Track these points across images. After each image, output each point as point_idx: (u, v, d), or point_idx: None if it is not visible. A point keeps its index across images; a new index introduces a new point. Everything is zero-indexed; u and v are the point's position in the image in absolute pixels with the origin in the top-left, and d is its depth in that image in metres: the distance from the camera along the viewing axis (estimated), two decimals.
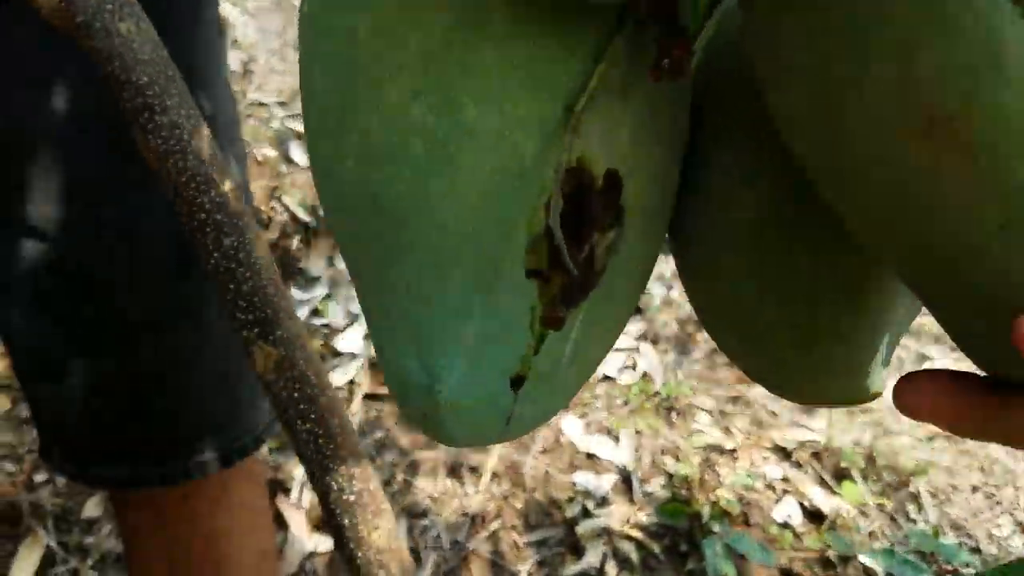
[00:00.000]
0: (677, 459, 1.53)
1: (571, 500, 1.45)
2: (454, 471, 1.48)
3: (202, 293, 0.64)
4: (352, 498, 0.52)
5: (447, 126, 0.27)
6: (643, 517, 1.44)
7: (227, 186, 0.47)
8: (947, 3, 0.22)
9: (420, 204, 0.28)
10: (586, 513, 1.43)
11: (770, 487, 1.50)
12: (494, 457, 1.51)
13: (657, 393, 1.64)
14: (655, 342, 1.76)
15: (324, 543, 1.32)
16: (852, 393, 0.34)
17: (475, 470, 1.48)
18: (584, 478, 1.48)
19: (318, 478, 0.52)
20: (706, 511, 1.43)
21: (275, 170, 2.19)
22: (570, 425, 1.58)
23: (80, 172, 0.58)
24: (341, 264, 1.97)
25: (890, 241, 0.26)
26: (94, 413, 0.64)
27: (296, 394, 0.50)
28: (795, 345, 0.33)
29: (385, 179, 0.28)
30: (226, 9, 2.71)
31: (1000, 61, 0.21)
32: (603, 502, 1.46)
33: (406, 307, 0.29)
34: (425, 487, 1.44)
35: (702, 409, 1.63)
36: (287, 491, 1.39)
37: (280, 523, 1.34)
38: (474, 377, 0.29)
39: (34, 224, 0.57)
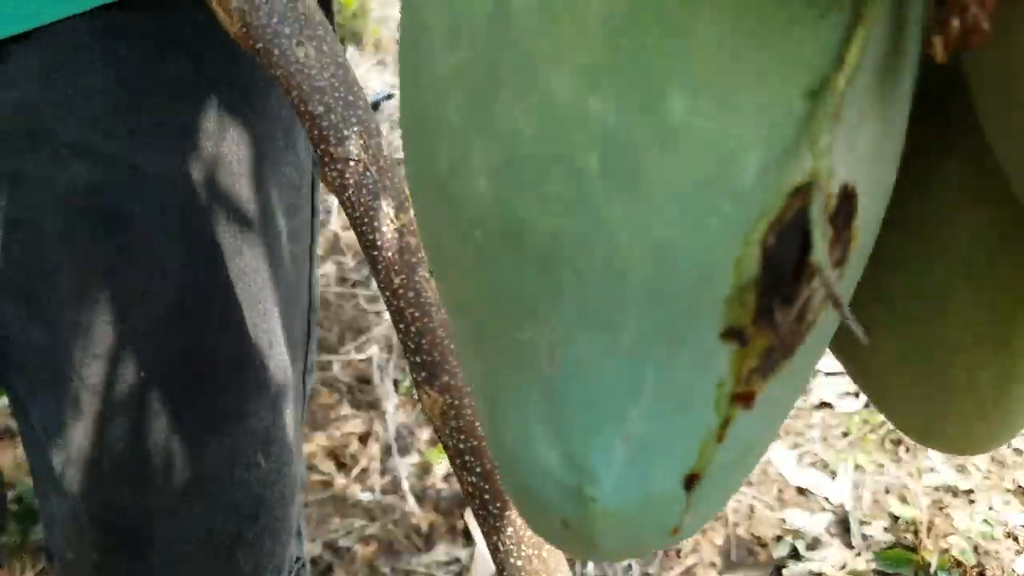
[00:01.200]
0: (903, 500, 1.37)
1: (779, 539, 1.32)
2: None
3: (202, 436, 0.58)
4: (520, 563, 0.45)
5: (639, 126, 0.18)
6: (861, 563, 1.28)
7: (400, 221, 0.42)
8: None
9: (588, 240, 0.19)
10: (795, 555, 1.30)
11: (1011, 535, 1.31)
12: None
13: (882, 424, 1.47)
14: None
15: None
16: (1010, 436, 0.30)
17: None
18: (795, 516, 1.34)
19: (486, 534, 0.46)
20: (935, 560, 1.26)
21: None
22: (781, 456, 1.44)
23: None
24: None
25: None
26: (73, 538, 0.59)
27: (461, 445, 0.44)
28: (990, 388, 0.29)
29: (535, 203, 0.19)
30: None
31: None
32: (815, 544, 1.32)
33: (547, 379, 0.21)
34: None
35: None
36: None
37: (466, 537, 1.30)
38: (638, 476, 0.21)
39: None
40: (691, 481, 0.22)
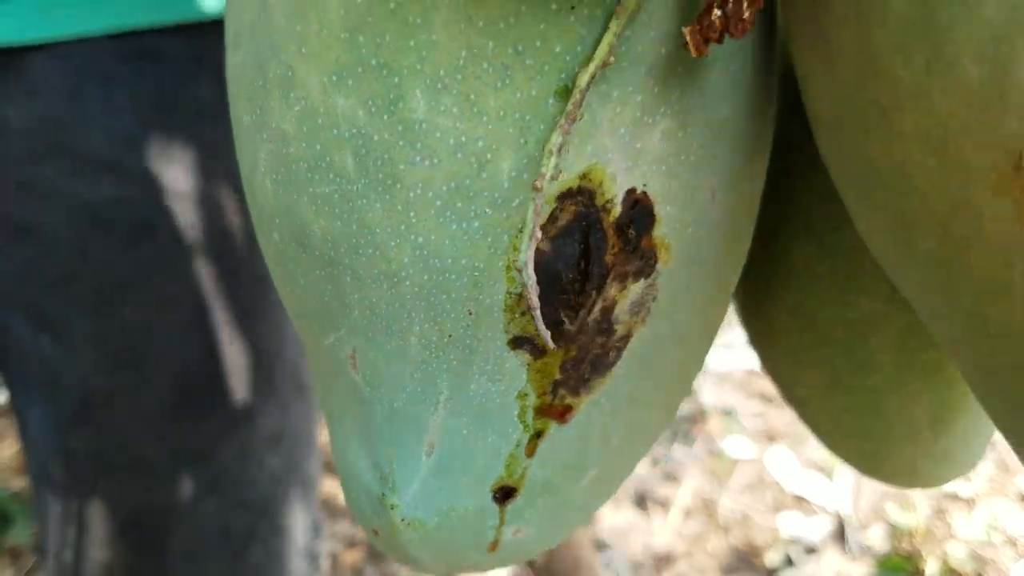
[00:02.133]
0: (902, 506, 1.34)
1: (773, 546, 1.29)
2: (640, 503, 1.37)
3: (216, 435, 0.59)
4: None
5: (383, 126, 0.18)
6: (857, 571, 1.26)
7: None
8: None
9: (357, 241, 0.19)
10: (790, 562, 1.27)
11: (1011, 542, 1.28)
12: (686, 491, 1.38)
13: None
14: None
15: (500, 570, 1.25)
16: (960, 472, 0.30)
17: (664, 504, 1.36)
18: (790, 522, 1.32)
19: None
20: (932, 568, 1.23)
21: None
22: (776, 460, 1.42)
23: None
24: None
25: (945, 319, 0.18)
26: (78, 540, 0.60)
27: None
28: (925, 428, 0.28)
29: (308, 204, 0.19)
30: None
31: None
32: (811, 551, 1.30)
33: (352, 383, 0.21)
34: (607, 517, 1.34)
35: None
36: None
37: None
38: (440, 486, 0.21)
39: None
40: (504, 494, 0.21)
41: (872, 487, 1.37)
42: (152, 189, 0.53)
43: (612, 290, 0.19)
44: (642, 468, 1.42)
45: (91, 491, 0.57)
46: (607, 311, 0.19)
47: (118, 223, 0.53)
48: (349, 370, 0.21)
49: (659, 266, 0.19)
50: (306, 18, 0.18)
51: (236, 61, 0.20)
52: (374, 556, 1.26)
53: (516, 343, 0.19)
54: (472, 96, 0.17)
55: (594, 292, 0.19)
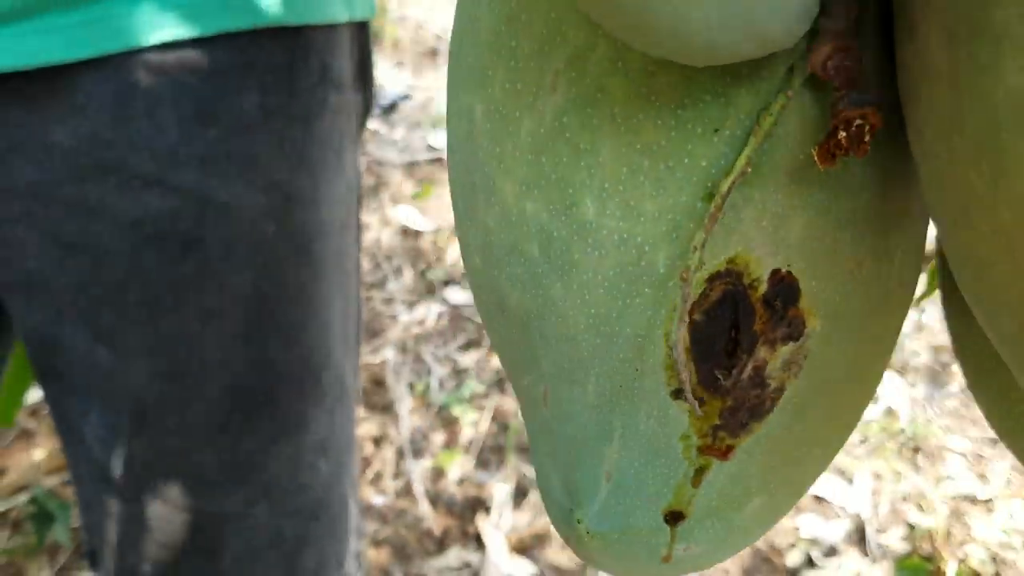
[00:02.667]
0: (921, 508, 1.35)
1: (793, 547, 1.31)
2: None
3: (267, 444, 0.60)
4: None
5: (563, 225, 0.23)
6: (877, 572, 1.27)
7: None
8: None
9: (545, 311, 0.24)
10: (810, 563, 1.29)
11: None
12: None
13: (902, 431, 1.46)
14: (902, 372, 1.57)
15: (523, 568, 1.26)
16: None
17: None
18: (810, 523, 1.33)
19: None
20: (951, 569, 1.24)
21: None
22: None
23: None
24: None
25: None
26: (138, 542, 0.61)
27: None
28: None
29: (506, 280, 0.24)
30: None
31: None
32: (831, 552, 1.31)
33: (545, 418, 0.26)
34: None
35: (954, 451, 1.44)
36: (487, 510, 1.34)
37: (478, 542, 1.30)
38: (618, 506, 0.25)
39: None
40: (675, 517, 0.25)
41: (891, 489, 1.38)
42: (198, 202, 0.55)
43: (762, 352, 0.23)
44: None
45: (149, 495, 0.59)
46: (759, 369, 0.23)
47: (166, 237, 0.55)
48: (541, 407, 0.26)
49: (807, 330, 0.23)
50: (503, 142, 0.23)
51: (454, 161, 0.26)
52: (401, 555, 1.27)
53: (676, 394, 0.23)
54: (632, 202, 0.22)
55: (744, 355, 0.23)
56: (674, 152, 0.21)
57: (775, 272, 0.22)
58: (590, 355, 0.23)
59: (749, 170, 0.21)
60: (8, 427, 0.95)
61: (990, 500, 1.36)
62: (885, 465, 1.42)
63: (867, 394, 0.27)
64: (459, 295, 1.78)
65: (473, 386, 1.56)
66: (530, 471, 1.42)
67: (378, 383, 1.57)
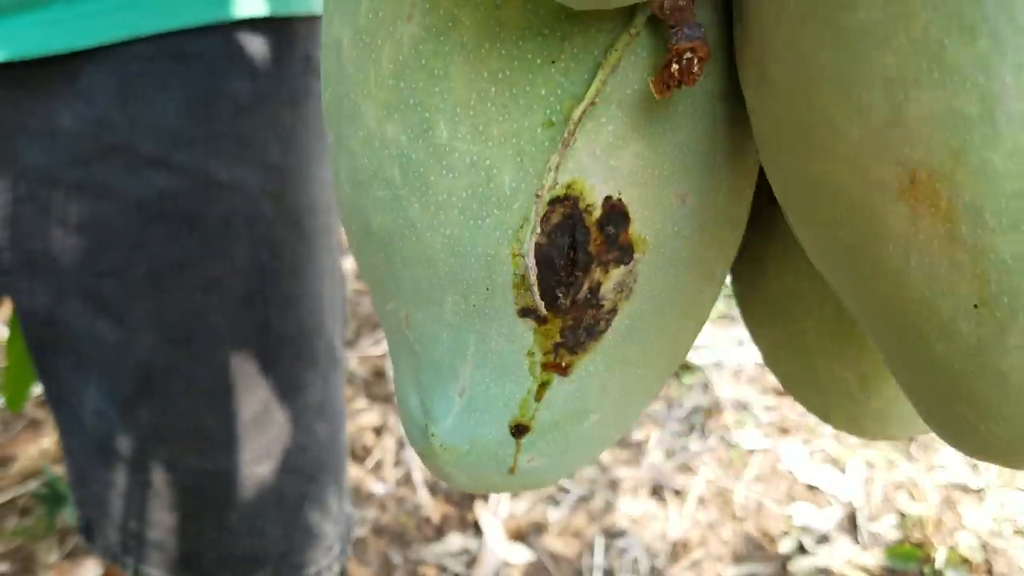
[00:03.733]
0: (913, 496, 1.37)
1: (786, 534, 1.33)
2: (656, 492, 1.40)
3: (269, 405, 0.63)
4: None
5: (419, 148, 0.24)
6: (868, 559, 1.29)
7: None
8: (947, 44, 0.19)
9: (405, 232, 0.25)
10: (802, 550, 1.31)
11: (1020, 533, 1.30)
12: (701, 481, 1.41)
13: None
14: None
15: (519, 553, 1.28)
16: (902, 432, 0.34)
17: (679, 493, 1.40)
18: (803, 511, 1.35)
19: None
20: (942, 557, 1.26)
21: None
22: (790, 452, 1.45)
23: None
24: None
25: (858, 300, 0.23)
26: (142, 508, 0.64)
27: None
28: (856, 389, 0.33)
29: (370, 204, 0.26)
30: None
31: (995, 114, 0.18)
32: (823, 539, 1.33)
33: (406, 339, 0.28)
34: (625, 507, 1.37)
35: None
36: (485, 498, 1.37)
37: (476, 529, 1.32)
38: (468, 420, 0.27)
39: (113, 308, 0.59)
40: (519, 430, 0.27)
41: (883, 478, 1.40)
42: (197, 181, 0.57)
43: (596, 273, 0.25)
44: (659, 459, 1.46)
45: (155, 461, 0.61)
46: (594, 290, 0.25)
47: (170, 214, 0.57)
48: (404, 329, 0.27)
49: (636, 255, 0.25)
50: (367, 69, 0.25)
51: (325, 97, 0.27)
52: (400, 542, 1.30)
53: (523, 312, 0.25)
54: (481, 127, 0.24)
55: (581, 274, 0.25)
56: (517, 80, 0.23)
57: (607, 199, 0.24)
58: (445, 275, 0.25)
59: (597, 100, 0.23)
60: (18, 412, 0.97)
61: (981, 489, 1.38)
62: (878, 454, 1.43)
63: (695, 325, 0.29)
64: None
65: None
66: None
67: (378, 374, 1.59)
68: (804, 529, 1.33)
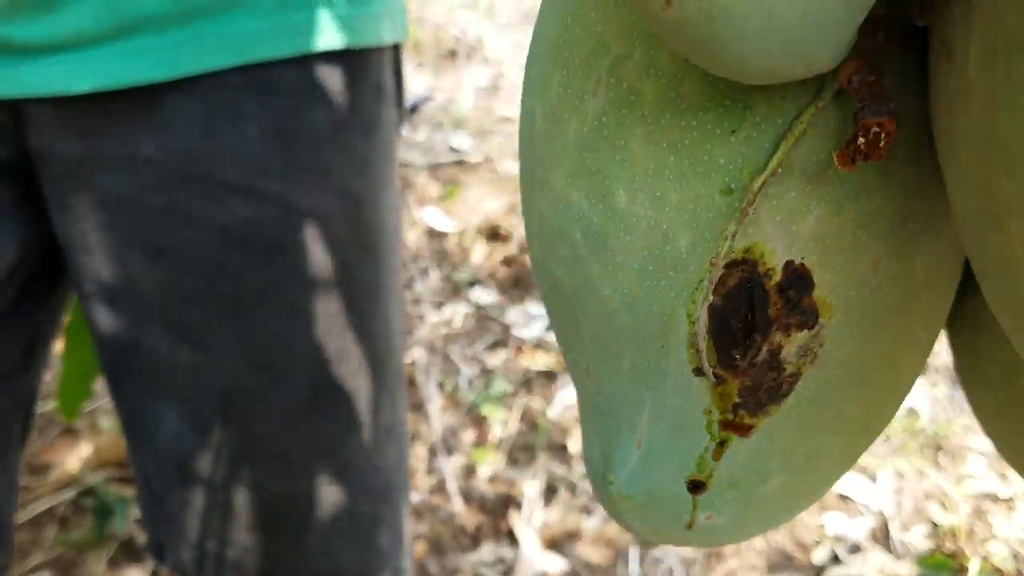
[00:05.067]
0: (944, 506, 1.38)
1: (819, 544, 1.33)
2: None
3: (344, 430, 0.63)
4: None
5: (600, 213, 0.26)
6: (901, 569, 1.30)
7: None
8: None
9: (586, 290, 0.27)
10: (836, 559, 1.31)
11: None
12: None
13: (923, 430, 1.48)
14: (924, 372, 1.59)
15: (555, 562, 1.29)
16: None
17: None
18: (835, 521, 1.36)
19: None
20: (975, 566, 1.27)
21: (514, 185, 2.21)
22: None
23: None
24: None
25: None
26: (221, 529, 0.64)
27: None
28: None
29: (556, 262, 0.27)
30: (476, 24, 2.78)
31: None
32: (855, 549, 1.33)
33: (589, 388, 0.28)
34: None
35: (975, 451, 1.46)
36: (518, 507, 1.38)
37: (511, 538, 1.33)
38: (646, 473, 0.27)
39: (193, 336, 0.60)
40: (695, 487, 0.27)
41: (914, 488, 1.41)
42: (280, 209, 0.58)
43: (777, 337, 0.25)
44: None
45: (234, 483, 0.62)
46: (774, 352, 0.25)
47: (252, 241, 0.58)
48: (585, 379, 0.28)
49: (822, 320, 0.25)
50: (555, 140, 0.26)
51: (521, 159, 0.29)
52: (437, 550, 1.30)
53: (697, 372, 0.26)
54: (659, 193, 0.24)
55: (759, 337, 0.25)
56: (696, 150, 0.24)
57: (789, 263, 0.24)
58: (623, 332, 0.26)
59: (780, 171, 0.23)
60: (71, 420, 0.98)
61: (1011, 499, 1.39)
62: (907, 464, 1.44)
63: (894, 392, 0.28)
64: (484, 296, 1.82)
65: (502, 385, 1.59)
66: (560, 470, 1.45)
67: (409, 382, 1.60)
68: (837, 539, 1.33)
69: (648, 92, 0.24)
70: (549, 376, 1.67)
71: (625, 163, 0.25)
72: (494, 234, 2.00)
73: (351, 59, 0.60)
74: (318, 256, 0.60)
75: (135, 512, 1.25)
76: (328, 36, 0.58)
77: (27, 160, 0.58)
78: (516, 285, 1.90)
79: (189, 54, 0.55)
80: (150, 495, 0.66)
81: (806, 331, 0.25)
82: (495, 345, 1.71)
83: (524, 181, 0.29)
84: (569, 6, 0.26)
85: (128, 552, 1.23)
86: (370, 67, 0.63)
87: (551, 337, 1.75)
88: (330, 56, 0.59)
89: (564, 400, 1.59)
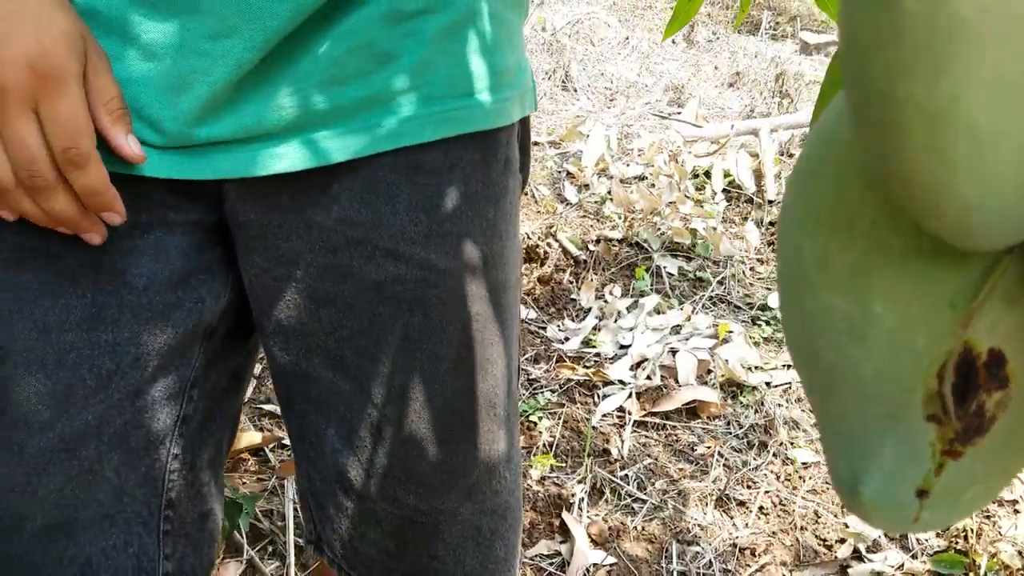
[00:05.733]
0: None
1: (842, 542, 1.46)
2: (722, 502, 1.54)
3: (472, 456, 0.75)
4: None
5: (861, 316, 0.37)
6: (917, 565, 1.43)
7: None
8: None
9: (844, 363, 0.38)
10: (857, 556, 1.44)
11: None
12: (761, 493, 1.55)
13: None
14: None
15: (604, 557, 1.42)
16: None
17: (743, 504, 1.53)
18: (857, 520, 1.48)
19: None
20: (983, 563, 1.40)
21: (549, 208, 2.33)
22: None
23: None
24: (609, 297, 2.08)
25: None
26: (367, 532, 0.76)
27: None
28: None
29: (822, 343, 0.39)
30: None
31: None
32: (875, 546, 1.46)
33: (842, 428, 0.40)
34: (694, 516, 1.51)
35: None
36: (569, 507, 1.50)
37: (564, 534, 1.45)
38: (888, 486, 0.39)
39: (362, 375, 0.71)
40: (922, 494, 0.39)
41: None
42: (423, 269, 0.69)
43: (983, 395, 0.36)
44: (723, 473, 1.59)
45: (379, 495, 0.73)
46: (980, 406, 0.37)
47: (398, 295, 0.69)
48: (840, 419, 0.40)
49: (1011, 384, 0.37)
50: (823, 268, 0.38)
51: (784, 271, 0.40)
52: None
53: (929, 418, 0.37)
54: (904, 307, 0.36)
55: (972, 397, 0.36)
56: (931, 281, 0.36)
57: (991, 350, 0.36)
58: (874, 394, 0.37)
59: (988, 294, 0.36)
60: None
61: (1016, 501, 1.52)
62: None
63: None
64: (525, 312, 1.94)
65: (547, 395, 1.72)
66: (604, 473, 1.58)
67: None
68: (859, 536, 1.46)
69: (896, 244, 0.36)
70: (588, 386, 1.80)
71: (880, 286, 0.36)
72: (531, 256, 2.12)
73: (485, 139, 0.72)
74: (454, 308, 0.71)
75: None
76: (467, 122, 0.70)
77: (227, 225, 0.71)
78: (553, 303, 2.03)
79: (353, 143, 0.66)
80: (313, 498, 0.77)
81: (1001, 391, 0.36)
82: (537, 359, 1.84)
83: (789, 283, 0.40)
84: (835, 178, 0.38)
85: (228, 547, 1.35)
86: (500, 144, 0.74)
87: (588, 350, 1.88)
88: (468, 137, 0.70)
89: (603, 409, 1.72)
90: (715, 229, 2.28)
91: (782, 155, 2.72)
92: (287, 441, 1.60)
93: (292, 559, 1.35)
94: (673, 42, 4.16)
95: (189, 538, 0.71)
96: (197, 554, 0.72)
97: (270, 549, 1.40)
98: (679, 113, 3.07)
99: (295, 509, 1.41)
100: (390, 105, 0.67)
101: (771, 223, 2.39)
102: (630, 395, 1.75)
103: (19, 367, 0.64)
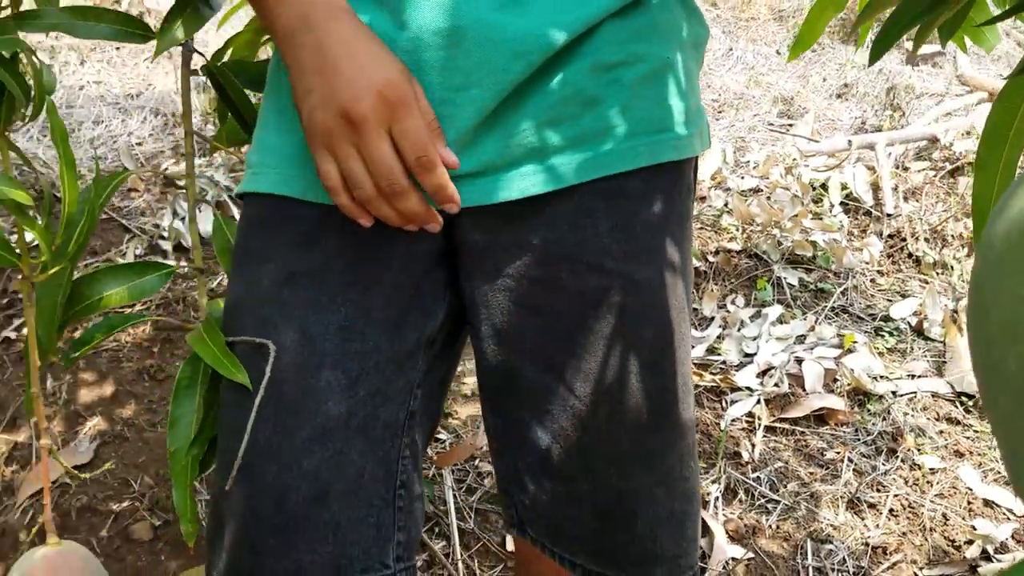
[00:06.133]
0: None
1: (970, 543, 1.54)
2: (853, 505, 1.63)
3: (665, 445, 0.85)
4: None
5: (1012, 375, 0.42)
6: None
7: None
8: None
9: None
10: (986, 556, 1.52)
11: None
12: (890, 496, 1.63)
13: None
14: None
15: (741, 552, 1.52)
16: None
17: (874, 506, 1.62)
18: (984, 523, 1.56)
19: None
20: None
21: None
22: (967, 473, 1.66)
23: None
24: (731, 307, 2.17)
25: None
26: (573, 512, 0.85)
27: None
28: None
29: (1011, 361, 0.44)
30: None
31: None
32: (1002, 548, 1.53)
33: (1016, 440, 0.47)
34: (826, 516, 1.60)
35: None
36: (705, 505, 1.61)
37: (703, 530, 1.57)
38: None
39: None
40: None
41: None
42: (623, 281, 0.80)
43: None
44: (853, 477, 1.68)
45: (585, 478, 0.83)
46: None
47: (601, 304, 0.80)
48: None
49: None
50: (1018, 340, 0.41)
51: (973, 333, 0.44)
52: None
53: None
54: None
55: None
56: None
57: None
58: None
59: None
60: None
61: None
62: None
63: None
64: None
65: None
66: (736, 475, 1.68)
67: None
68: (987, 538, 1.54)
69: None
70: (715, 392, 1.90)
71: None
72: None
73: (675, 169, 0.83)
74: (647, 314, 0.82)
75: None
76: (662, 154, 0.81)
77: (451, 249, 0.84)
78: None
79: (564, 173, 0.78)
80: (517, 485, 0.88)
81: None
82: None
83: (980, 335, 0.43)
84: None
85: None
86: (684, 173, 0.86)
87: (713, 358, 1.98)
88: (661, 167, 0.82)
89: (733, 414, 1.83)
90: (837, 241, 2.35)
91: (896, 168, 2.77)
92: (441, 436, 1.75)
93: (456, 540, 1.50)
94: (777, 52, 4.22)
95: (412, 515, 0.83)
96: (416, 528, 0.84)
97: (436, 530, 1.55)
98: (791, 126, 3.13)
99: (454, 495, 1.56)
100: (598, 140, 0.79)
101: (890, 236, 2.45)
102: (758, 401, 1.85)
103: (289, 368, 0.77)
